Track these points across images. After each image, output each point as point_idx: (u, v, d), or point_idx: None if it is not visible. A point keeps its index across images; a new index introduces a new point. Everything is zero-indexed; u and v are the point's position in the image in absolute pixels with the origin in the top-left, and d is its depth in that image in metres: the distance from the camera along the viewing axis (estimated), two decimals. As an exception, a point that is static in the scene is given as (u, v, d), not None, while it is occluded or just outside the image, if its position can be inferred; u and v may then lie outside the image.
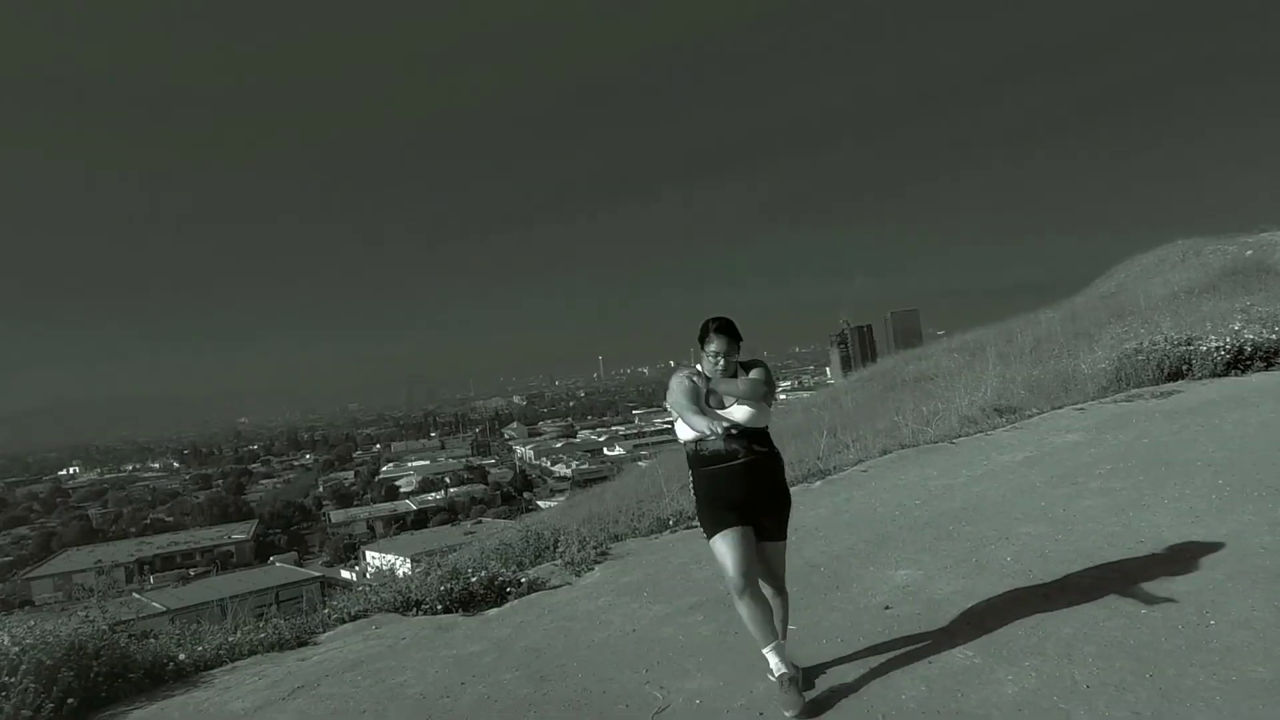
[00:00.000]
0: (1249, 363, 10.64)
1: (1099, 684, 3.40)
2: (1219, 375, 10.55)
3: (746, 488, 3.63)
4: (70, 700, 4.40)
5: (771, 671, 3.60)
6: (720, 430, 3.47)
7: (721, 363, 3.65)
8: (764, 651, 3.61)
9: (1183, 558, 4.64)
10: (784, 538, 3.79)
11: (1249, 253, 23.79)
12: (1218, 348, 10.75)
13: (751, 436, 3.64)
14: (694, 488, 3.76)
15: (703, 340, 3.69)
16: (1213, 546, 4.75)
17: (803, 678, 3.69)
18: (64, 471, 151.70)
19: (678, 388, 3.68)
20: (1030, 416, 9.95)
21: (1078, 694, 3.35)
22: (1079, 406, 10.07)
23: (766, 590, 3.75)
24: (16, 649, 4.42)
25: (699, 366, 3.75)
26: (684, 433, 3.68)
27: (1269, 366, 10.59)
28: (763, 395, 3.63)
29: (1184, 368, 10.87)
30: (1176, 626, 3.81)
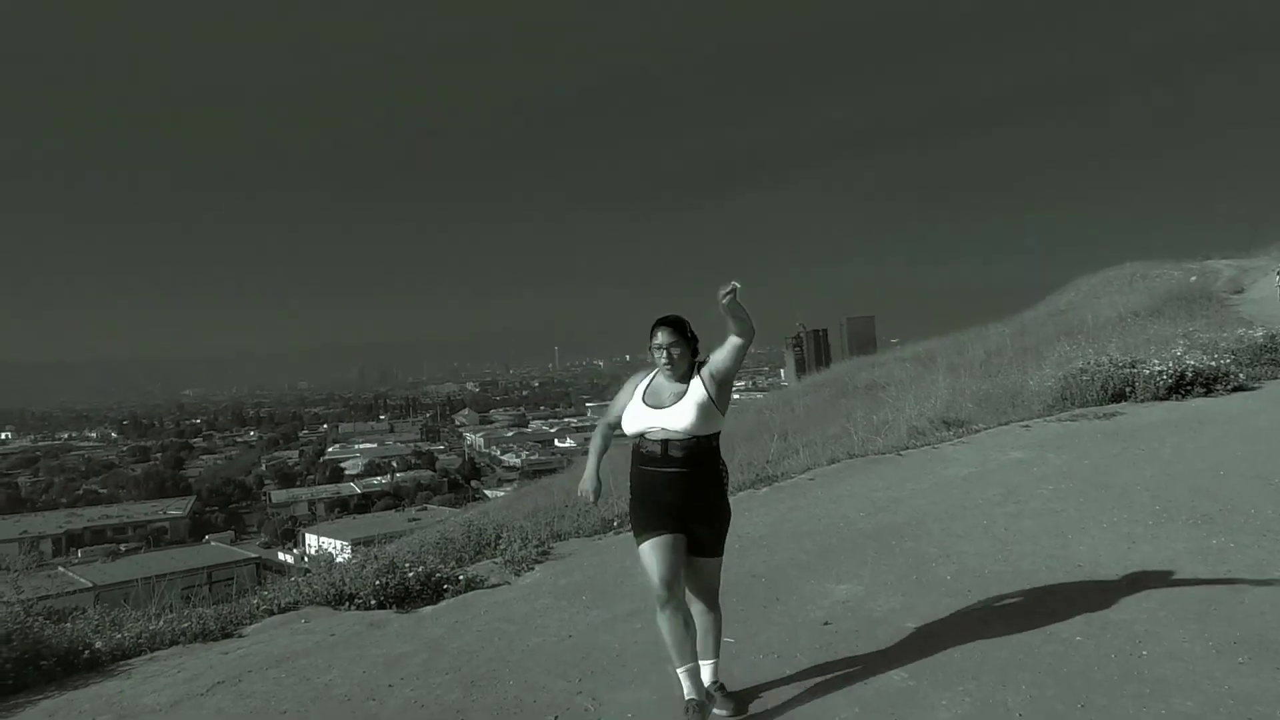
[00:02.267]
0: (1189, 388, 10.87)
1: (1030, 712, 3.39)
2: (1160, 399, 10.76)
3: (680, 496, 3.51)
4: None
5: (684, 691, 3.52)
6: (588, 495, 3.67)
7: (665, 357, 3.54)
8: (677, 671, 3.53)
9: (1118, 584, 4.68)
10: (719, 554, 3.65)
11: (1193, 279, 24.45)
12: (1160, 372, 10.96)
13: (689, 447, 3.49)
14: (630, 484, 3.65)
15: (651, 335, 3.60)
16: (1147, 574, 4.80)
17: (729, 702, 3.59)
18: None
19: (618, 396, 3.72)
20: (977, 431, 10.05)
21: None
22: (1025, 423, 10.19)
23: (697, 607, 3.65)
24: None
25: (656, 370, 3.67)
26: (626, 426, 3.61)
27: (1208, 393, 10.83)
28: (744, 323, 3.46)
29: (1127, 389, 11.06)
30: (1109, 655, 3.83)
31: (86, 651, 4.84)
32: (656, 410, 3.54)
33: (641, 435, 3.55)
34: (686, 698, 3.49)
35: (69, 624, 5.24)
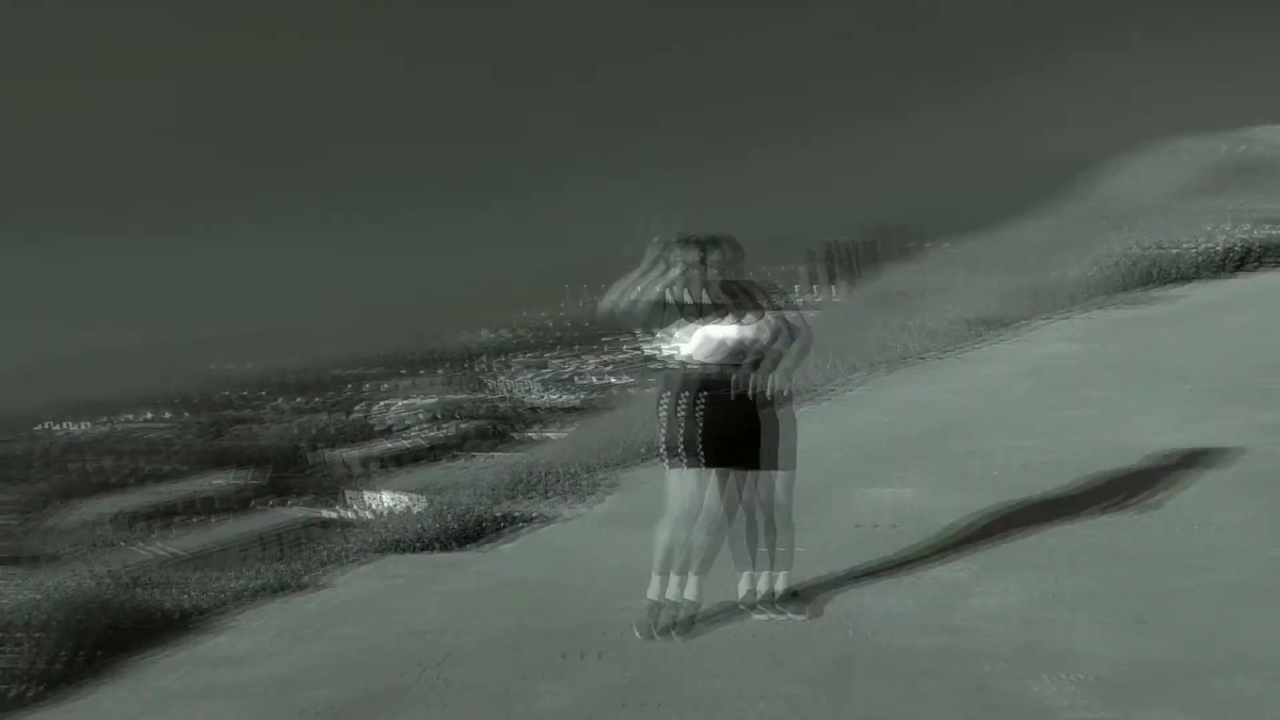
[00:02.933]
0: (1240, 264, 10.56)
1: (1082, 592, 3.48)
2: (1212, 277, 10.49)
3: (739, 423, 3.51)
4: (81, 651, 4.44)
5: (650, 592, 3.72)
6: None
7: (721, 274, 3.46)
8: (655, 575, 3.70)
9: (1170, 465, 4.71)
10: (786, 467, 3.67)
11: (1242, 148, 23.41)
12: (1210, 249, 10.65)
13: (751, 367, 3.51)
14: (670, 410, 3.57)
15: (701, 259, 3.45)
16: (1197, 453, 4.82)
17: (803, 606, 3.69)
18: (57, 427, 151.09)
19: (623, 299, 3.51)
20: (1020, 328, 9.96)
21: (1063, 602, 3.43)
22: (1067, 316, 10.08)
23: (772, 524, 3.69)
24: (45, 602, 4.50)
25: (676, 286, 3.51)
26: (686, 349, 3.50)
27: (1259, 267, 10.53)
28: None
29: (1173, 272, 10.81)
30: (1163, 534, 3.90)
31: (177, 613, 5.12)
32: (725, 330, 3.48)
33: (705, 360, 3.49)
34: (651, 597, 3.71)
35: (157, 589, 5.55)
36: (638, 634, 3.67)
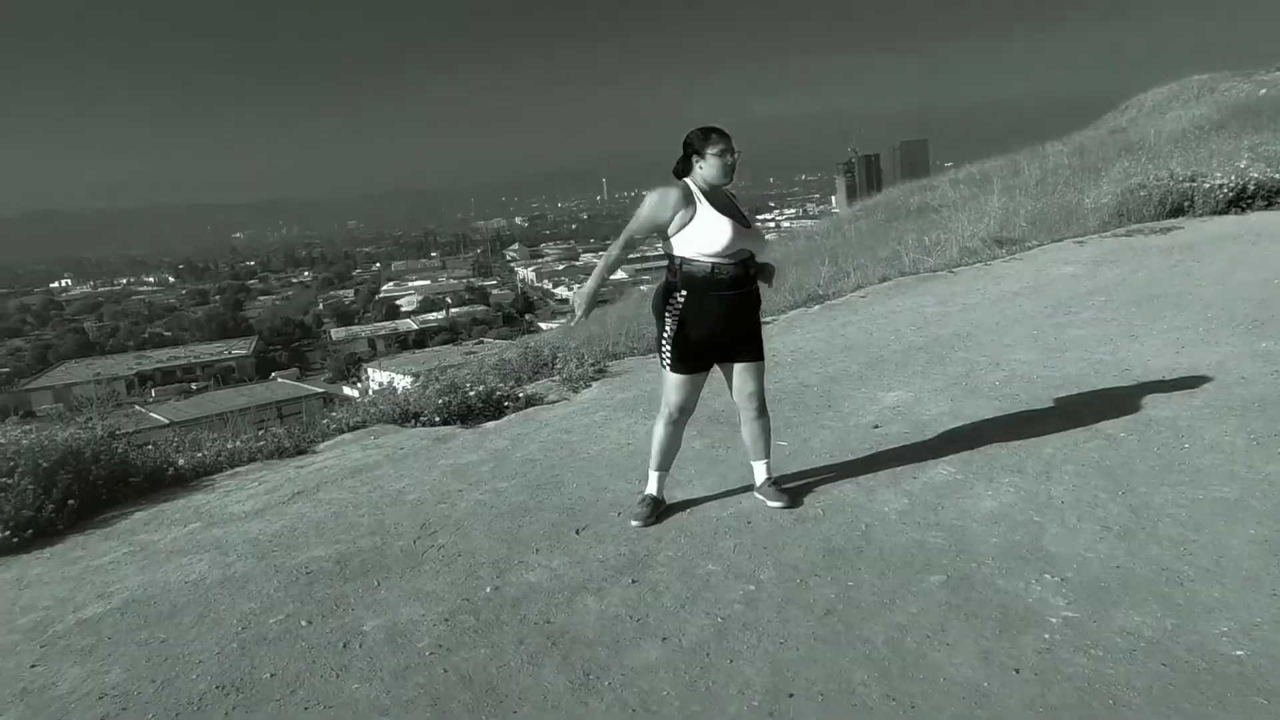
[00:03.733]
0: (1251, 201, 10.52)
1: (1073, 500, 3.54)
2: (1220, 213, 10.45)
3: (736, 319, 3.60)
4: (70, 502, 4.45)
5: (646, 486, 3.87)
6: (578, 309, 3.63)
7: (733, 160, 3.49)
8: (652, 471, 3.84)
9: (1165, 386, 4.75)
10: (761, 358, 3.76)
11: (1263, 91, 23.01)
12: (1221, 185, 10.60)
13: (752, 264, 3.59)
14: (675, 313, 3.58)
15: (704, 144, 3.47)
16: (1195, 375, 4.86)
17: (783, 496, 3.78)
18: (56, 284, 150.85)
19: (642, 221, 3.57)
20: (1030, 249, 9.91)
21: (1051, 508, 3.49)
22: (1079, 240, 10.02)
23: (749, 412, 3.78)
24: (14, 450, 4.43)
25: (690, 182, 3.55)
26: (706, 246, 3.47)
27: (1269, 206, 10.47)
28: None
29: (1186, 205, 10.75)
30: (1152, 449, 3.94)
31: (170, 469, 5.09)
32: (745, 229, 3.52)
33: (722, 256, 3.48)
34: (649, 492, 3.85)
35: (151, 446, 5.53)
36: (633, 522, 3.76)
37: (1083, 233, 10.53)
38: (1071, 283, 7.71)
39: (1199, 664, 2.47)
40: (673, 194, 3.52)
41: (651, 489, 3.86)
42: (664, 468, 3.85)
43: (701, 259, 3.50)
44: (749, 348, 3.70)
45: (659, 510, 3.83)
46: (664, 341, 3.65)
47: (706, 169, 3.51)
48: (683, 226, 3.51)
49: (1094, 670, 2.48)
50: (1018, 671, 2.51)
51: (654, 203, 3.53)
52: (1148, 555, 3.07)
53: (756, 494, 3.86)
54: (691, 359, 3.62)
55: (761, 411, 3.80)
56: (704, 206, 3.50)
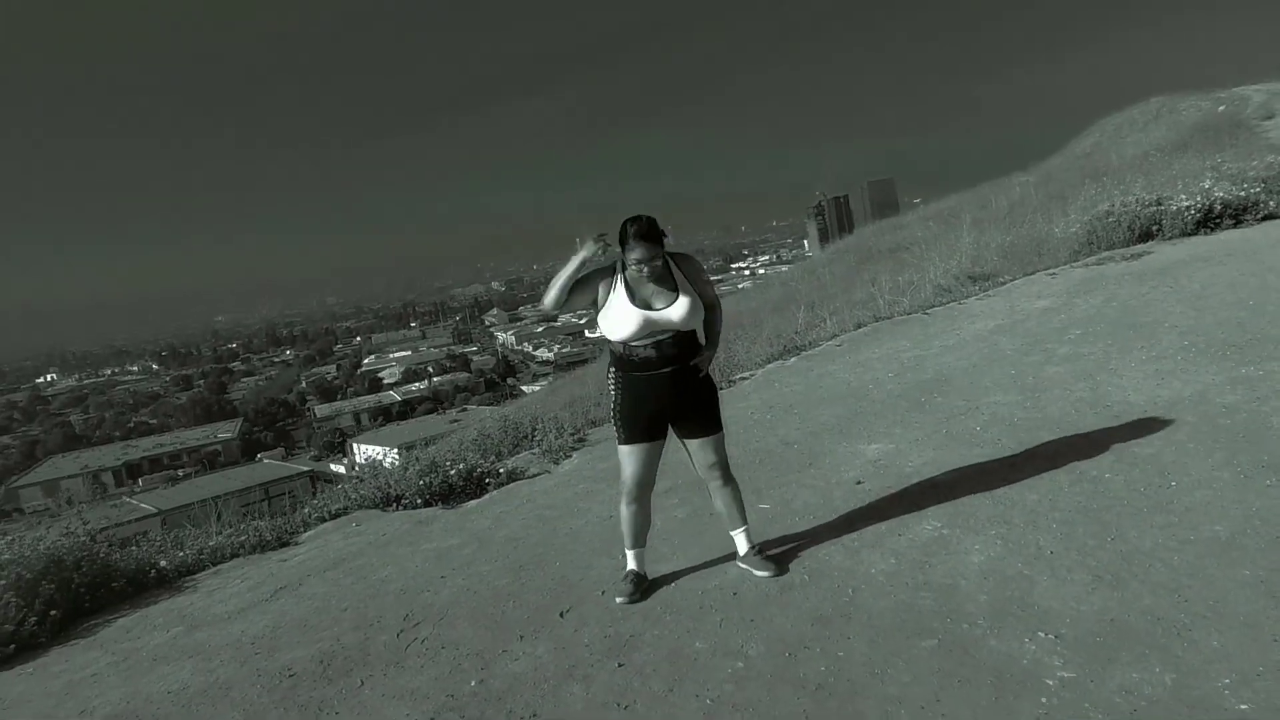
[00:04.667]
0: (1218, 221, 10.63)
1: (1062, 549, 3.48)
2: (1189, 234, 10.55)
3: (670, 396, 3.56)
4: (53, 612, 4.44)
5: (627, 564, 3.82)
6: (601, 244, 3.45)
7: (646, 270, 3.45)
8: (627, 551, 3.80)
9: (1147, 421, 4.71)
10: (716, 430, 3.70)
11: (1221, 108, 23.49)
12: (1188, 207, 10.71)
13: (682, 342, 3.54)
14: (614, 387, 3.65)
15: (623, 245, 3.46)
16: (1175, 408, 4.82)
17: (769, 565, 3.71)
18: (41, 379, 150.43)
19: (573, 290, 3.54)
20: (1003, 283, 9.95)
21: (1041, 559, 3.43)
22: (1051, 272, 10.08)
23: (714, 484, 3.74)
24: (14, 562, 4.45)
25: (619, 268, 3.55)
26: (613, 332, 3.53)
27: (1237, 224, 10.58)
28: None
29: (1154, 228, 10.85)
30: (1139, 489, 3.89)
31: (153, 571, 5.10)
32: (651, 312, 3.48)
33: (632, 341, 3.50)
34: (630, 568, 3.80)
35: (134, 547, 5.49)
36: (618, 599, 3.70)
37: (1054, 263, 10.59)
38: (1046, 317, 7.73)
39: (1203, 721, 2.39)
40: (595, 278, 3.56)
41: (632, 565, 3.81)
42: (638, 545, 3.80)
43: (614, 341, 3.56)
44: (700, 422, 3.66)
45: (643, 585, 3.76)
46: (613, 413, 3.69)
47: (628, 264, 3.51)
48: (600, 308, 3.56)
49: (1095, 736, 2.41)
50: (1017, 742, 2.43)
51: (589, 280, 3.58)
52: (1142, 605, 3.00)
53: (741, 564, 3.80)
54: (636, 431, 3.61)
55: (727, 480, 3.76)
56: (617, 294, 3.51)
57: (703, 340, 3.68)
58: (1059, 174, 21.35)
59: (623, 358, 3.59)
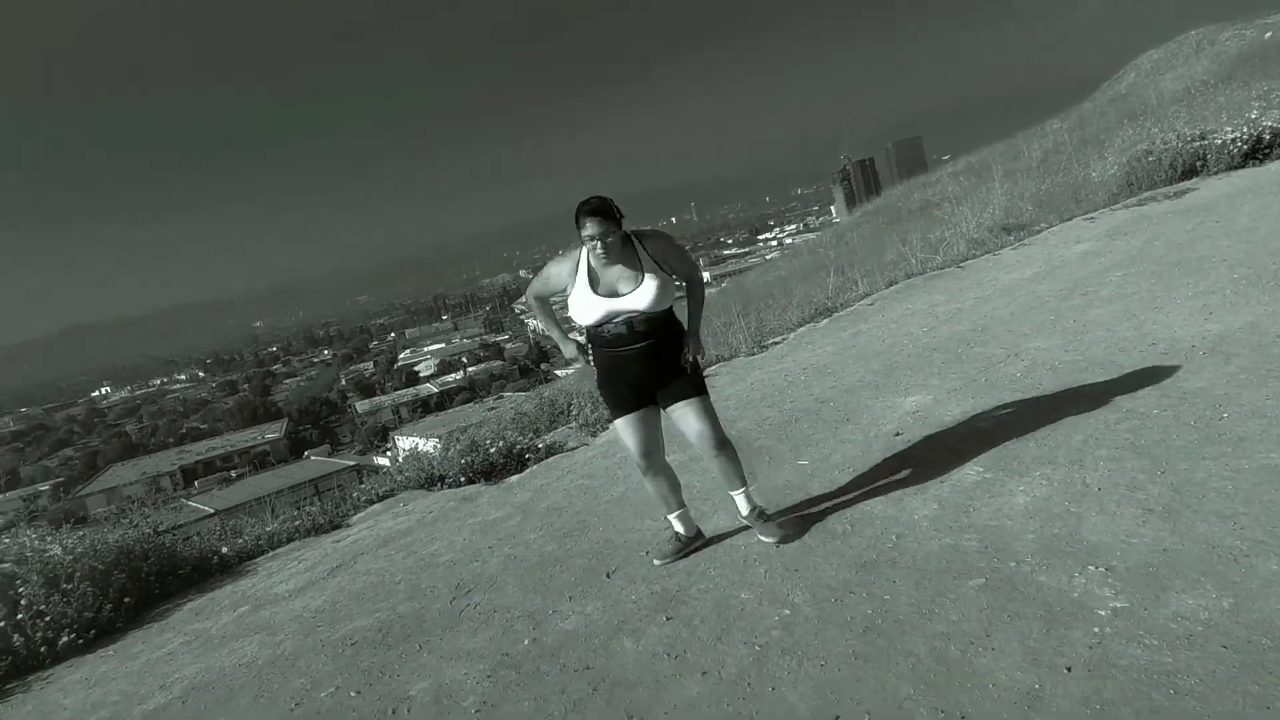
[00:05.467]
0: (1268, 151, 10.23)
1: (1110, 485, 3.43)
2: (1237, 168, 10.20)
3: (645, 369, 3.51)
4: (127, 599, 4.70)
5: (676, 529, 3.79)
6: (570, 352, 3.64)
7: (600, 247, 3.35)
8: (668, 517, 3.79)
9: (1196, 355, 4.61)
10: (702, 393, 3.60)
11: (1268, 35, 22.63)
12: (1234, 139, 10.35)
13: (654, 320, 3.46)
14: (596, 366, 3.64)
15: (577, 225, 3.38)
16: (1227, 341, 4.70)
17: (770, 528, 3.67)
18: (96, 393, 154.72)
19: (538, 282, 3.65)
20: (1039, 232, 9.78)
21: (1089, 496, 3.38)
22: (1089, 216, 9.87)
23: (707, 452, 3.62)
24: (70, 558, 4.66)
25: (585, 253, 3.47)
26: (579, 318, 3.52)
27: (1282, 154, 10.21)
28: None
29: (1198, 164, 10.51)
30: (1189, 422, 3.81)
31: (215, 558, 5.34)
32: (613, 299, 3.43)
33: (602, 323, 3.47)
34: (678, 531, 3.78)
35: (196, 537, 5.72)
36: (655, 561, 3.73)
37: (1092, 208, 10.37)
38: (1086, 261, 7.57)
39: (1263, 642, 2.35)
40: (562, 265, 3.55)
41: (679, 529, 3.80)
42: (675, 508, 3.77)
43: (584, 325, 3.56)
44: (677, 390, 3.56)
45: (685, 545, 3.76)
46: (597, 390, 3.74)
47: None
48: (565, 295, 3.56)
49: (1150, 660, 2.38)
50: (1069, 670, 2.41)
51: (548, 271, 3.62)
52: (1196, 534, 2.95)
53: (746, 522, 3.77)
54: (621, 403, 3.58)
55: (721, 446, 3.61)
56: (578, 280, 3.47)
57: (684, 323, 3.62)
58: (1094, 118, 20.88)
59: (590, 338, 3.59)
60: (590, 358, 3.63)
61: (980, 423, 4.44)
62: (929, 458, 4.12)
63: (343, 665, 3.49)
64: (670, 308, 3.54)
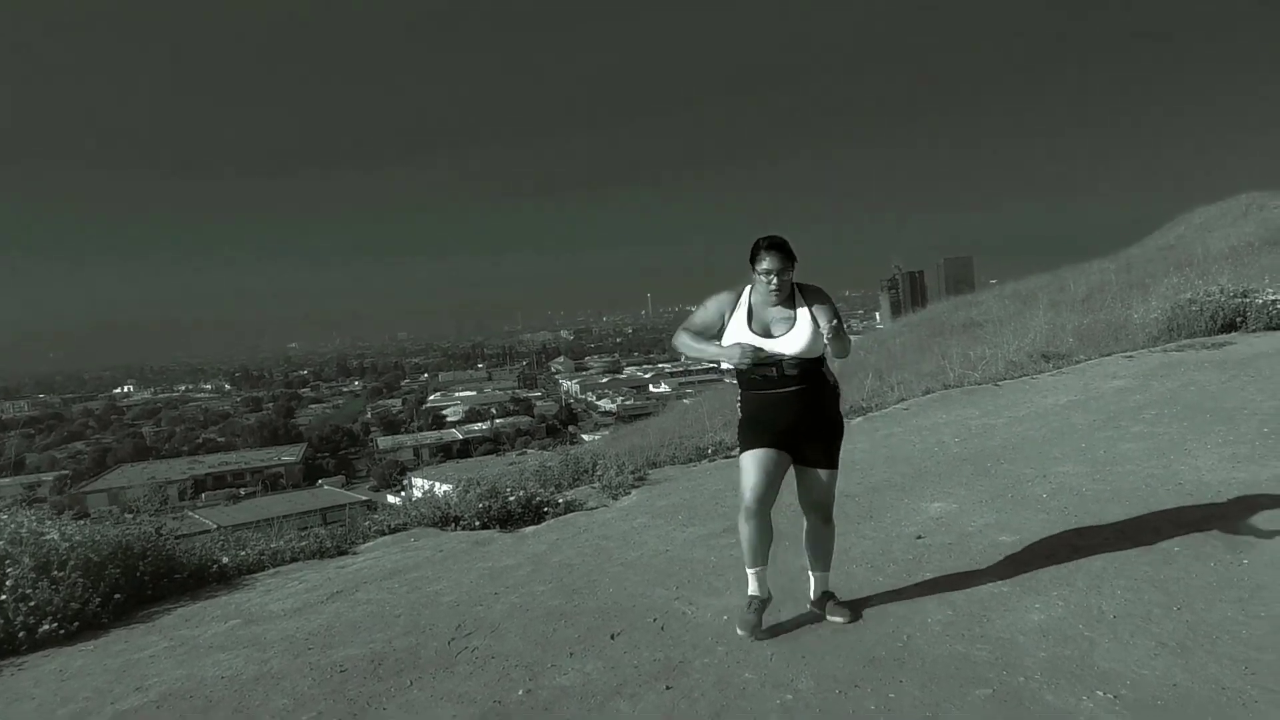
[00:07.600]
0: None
1: (1125, 614, 3.41)
2: (1274, 329, 10.30)
3: (791, 416, 3.53)
4: (117, 595, 4.58)
5: (749, 589, 3.63)
6: (744, 359, 3.46)
7: (775, 282, 3.47)
8: (748, 570, 3.62)
9: (1221, 500, 4.61)
10: (832, 466, 3.65)
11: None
12: (1275, 300, 10.48)
13: (804, 366, 3.52)
14: (740, 405, 3.67)
15: (753, 260, 3.51)
16: (1253, 489, 4.71)
17: (842, 610, 3.65)
18: (119, 390, 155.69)
19: (701, 312, 3.66)
20: (1077, 363, 9.81)
21: (1104, 623, 3.36)
22: (1128, 354, 9.90)
23: (812, 520, 3.69)
24: (66, 545, 4.58)
25: (749, 290, 3.59)
26: (730, 354, 3.54)
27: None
28: (841, 339, 3.50)
29: (1238, 319, 10.63)
30: (1209, 564, 3.80)
31: (215, 566, 5.22)
32: (766, 339, 3.51)
33: (751, 363, 3.50)
34: (750, 593, 3.62)
35: (197, 543, 5.66)
36: (740, 631, 3.58)
37: (1132, 347, 10.41)
38: (1121, 396, 7.58)
39: (1266, 792, 2.32)
40: (721, 300, 3.63)
41: (753, 587, 3.64)
42: (757, 564, 3.61)
43: (730, 364, 3.58)
44: (816, 452, 3.60)
45: (764, 608, 3.63)
46: (738, 429, 3.69)
47: (755, 284, 3.57)
48: (722, 331, 3.61)
49: (1152, 794, 2.35)
50: (1069, 791, 2.38)
51: (708, 308, 3.66)
52: (1207, 673, 2.92)
53: (812, 606, 3.74)
54: (758, 438, 3.56)
55: (826, 521, 3.69)
56: (735, 319, 3.57)
57: (830, 367, 3.68)
58: (1140, 263, 20.99)
59: (743, 379, 3.61)
60: (753, 352, 3.53)
61: (1002, 536, 4.43)
62: (948, 564, 4.12)
63: (329, 691, 3.44)
64: (822, 357, 3.60)
